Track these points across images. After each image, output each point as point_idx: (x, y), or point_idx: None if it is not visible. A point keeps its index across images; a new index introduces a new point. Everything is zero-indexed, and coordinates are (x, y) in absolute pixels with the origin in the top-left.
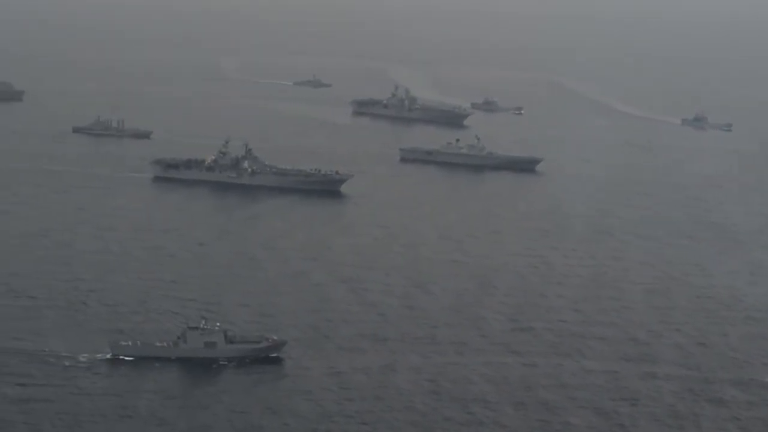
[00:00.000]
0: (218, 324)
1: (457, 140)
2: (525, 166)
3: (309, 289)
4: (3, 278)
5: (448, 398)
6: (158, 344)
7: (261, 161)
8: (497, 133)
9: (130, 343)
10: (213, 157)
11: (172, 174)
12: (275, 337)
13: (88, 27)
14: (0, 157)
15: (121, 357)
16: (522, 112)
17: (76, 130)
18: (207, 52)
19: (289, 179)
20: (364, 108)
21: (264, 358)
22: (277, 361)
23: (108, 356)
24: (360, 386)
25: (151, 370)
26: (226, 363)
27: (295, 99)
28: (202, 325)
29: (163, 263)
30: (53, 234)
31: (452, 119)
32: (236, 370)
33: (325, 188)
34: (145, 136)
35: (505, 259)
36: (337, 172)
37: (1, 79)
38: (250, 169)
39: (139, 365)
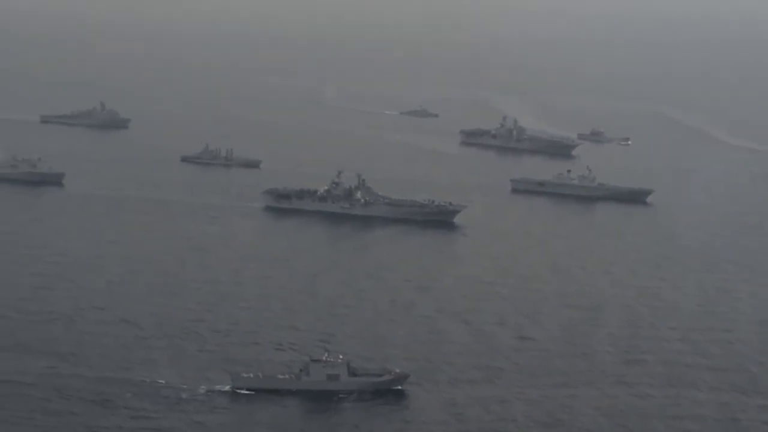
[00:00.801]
0: (341, 356)
1: (569, 171)
2: (636, 198)
3: (421, 321)
4: (113, 308)
5: (563, 430)
6: (280, 377)
7: (374, 192)
8: (605, 164)
9: (251, 375)
10: (326, 188)
11: (284, 204)
12: (398, 370)
13: (190, 55)
14: (108, 186)
15: (241, 389)
16: (629, 142)
17: (185, 159)
18: (311, 80)
19: (403, 210)
20: (472, 138)
21: (385, 391)
22: (399, 393)
23: (227, 389)
24: (478, 419)
25: (272, 403)
26: (345, 396)
27: (402, 129)
28: (325, 358)
29: (276, 294)
30: (163, 263)
31: (560, 150)
32: (358, 404)
33: (438, 219)
34: (254, 165)
35: (616, 291)
36: (450, 203)
37: (108, 107)
38: (363, 200)
39: (259, 398)
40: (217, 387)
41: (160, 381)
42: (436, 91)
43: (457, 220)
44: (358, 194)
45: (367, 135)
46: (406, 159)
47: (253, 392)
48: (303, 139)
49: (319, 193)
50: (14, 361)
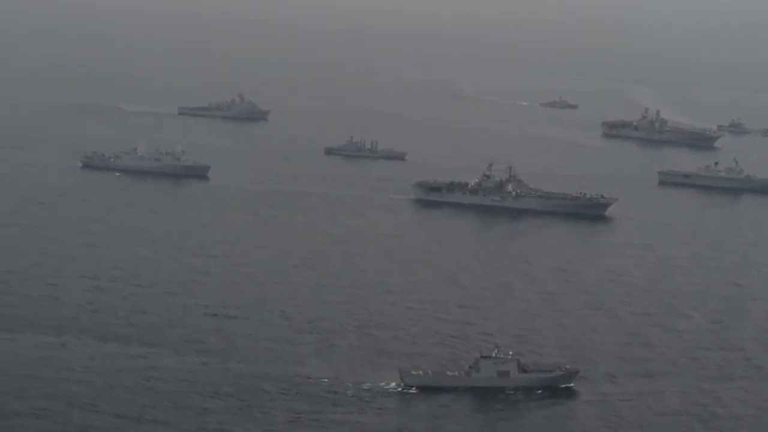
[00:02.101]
0: (510, 353)
1: (716, 163)
2: None
3: (571, 314)
4: (263, 304)
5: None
6: (449, 374)
7: (525, 184)
8: (748, 156)
9: (420, 372)
10: (476, 180)
11: (434, 196)
12: (568, 366)
13: (327, 48)
14: (252, 179)
15: (410, 387)
16: None
17: (329, 151)
18: (449, 73)
19: (554, 203)
20: (614, 130)
21: (555, 387)
22: (568, 390)
23: (393, 386)
24: (638, 415)
25: (442, 401)
26: (512, 393)
27: (542, 120)
28: (494, 354)
29: (430, 288)
30: (312, 257)
31: (702, 141)
32: (528, 400)
33: (590, 212)
34: (399, 157)
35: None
36: (602, 196)
37: (247, 99)
38: (514, 192)
39: (428, 395)
40: (382, 384)
41: (323, 379)
42: (574, 82)
43: (608, 212)
44: (509, 187)
45: (508, 127)
46: (548, 151)
47: (418, 389)
48: (444, 131)
49: (470, 185)
50: (169, 358)
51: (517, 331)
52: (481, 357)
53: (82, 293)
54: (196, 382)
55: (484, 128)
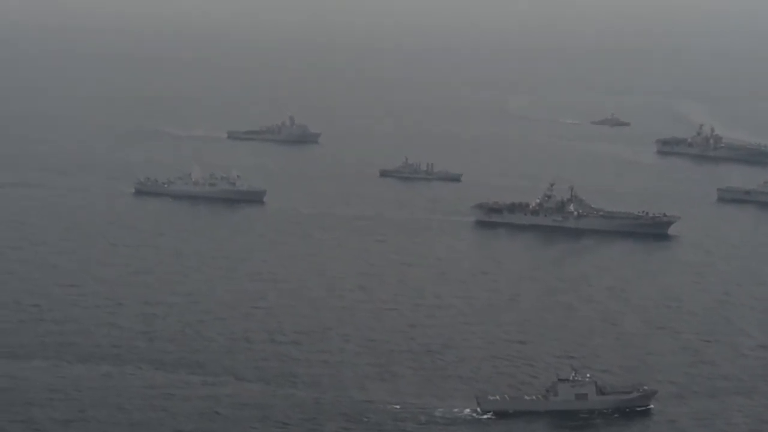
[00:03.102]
0: (588, 375)
1: None
2: None
3: (635, 334)
4: (326, 329)
5: None
6: (527, 398)
7: (587, 204)
8: None
9: (498, 397)
10: (537, 201)
11: (495, 218)
12: (646, 387)
13: (375, 69)
14: (308, 202)
15: (488, 412)
16: None
17: (384, 174)
18: (498, 91)
19: (616, 222)
20: (668, 147)
21: (632, 409)
22: (646, 411)
23: (471, 411)
24: None
25: (521, 426)
26: (590, 415)
27: (595, 138)
28: (572, 377)
29: (501, 310)
30: (373, 281)
31: (758, 157)
32: (606, 423)
33: (652, 231)
34: (455, 179)
35: None
36: (664, 215)
37: (297, 121)
38: (576, 213)
39: (506, 420)
40: (455, 410)
41: (395, 406)
42: (622, 97)
43: (670, 231)
44: (571, 207)
45: (560, 146)
46: (603, 169)
47: (495, 414)
48: (496, 151)
49: (531, 206)
50: (230, 386)
51: (581, 353)
52: (559, 380)
53: (139, 321)
54: (259, 410)
55: (536, 147)
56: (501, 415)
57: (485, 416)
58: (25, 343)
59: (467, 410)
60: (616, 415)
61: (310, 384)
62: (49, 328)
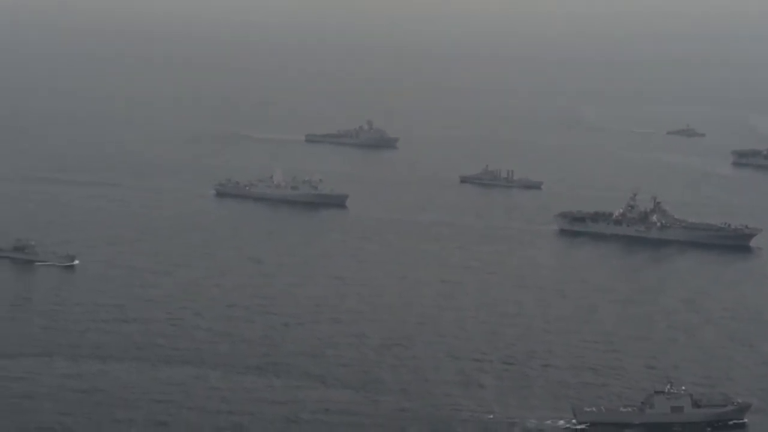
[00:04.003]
0: (684, 387)
1: None
2: None
3: (715, 347)
4: (410, 336)
5: None
6: (623, 410)
7: (670, 215)
8: None
9: (594, 408)
10: (620, 210)
11: (578, 227)
12: (740, 400)
13: (452, 75)
14: (389, 207)
15: (584, 423)
16: None
17: (464, 180)
18: (566, 98)
19: (699, 233)
20: (744, 158)
21: (725, 422)
22: (740, 425)
23: (569, 422)
24: None
25: None
26: (681, 429)
27: (670, 148)
28: (668, 389)
29: (585, 321)
30: (454, 288)
31: None
32: None
33: (734, 243)
34: (535, 186)
35: None
36: (746, 227)
37: (375, 126)
38: (659, 223)
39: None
40: (548, 422)
41: (488, 415)
42: (695, 108)
43: (752, 243)
44: (654, 217)
45: (636, 156)
46: (679, 180)
47: (590, 426)
48: (574, 159)
49: (614, 216)
50: (314, 391)
51: (663, 363)
52: (655, 392)
53: (220, 324)
54: (344, 416)
55: (612, 157)
56: (597, 426)
57: (581, 427)
58: (107, 344)
59: (561, 421)
60: (709, 429)
61: (395, 391)
62: (130, 329)
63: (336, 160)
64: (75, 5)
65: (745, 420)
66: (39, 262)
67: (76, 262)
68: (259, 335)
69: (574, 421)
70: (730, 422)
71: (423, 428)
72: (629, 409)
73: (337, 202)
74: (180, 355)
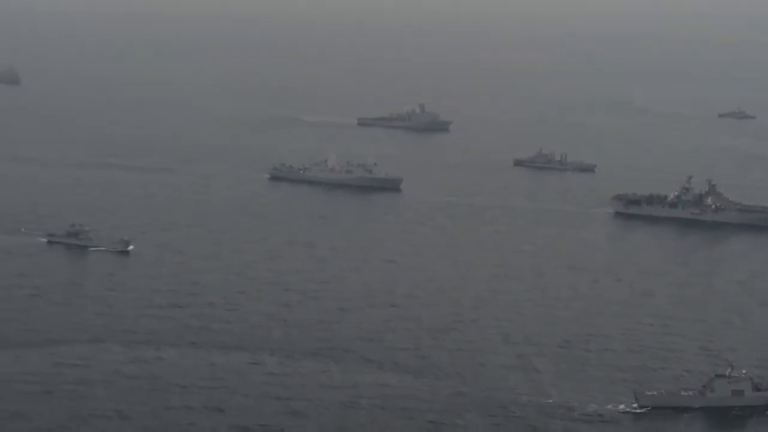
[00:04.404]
0: (744, 371)
1: None
2: None
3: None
4: (464, 319)
5: None
6: (683, 393)
7: (725, 197)
8: None
9: (654, 392)
10: (675, 193)
11: (633, 210)
12: None
13: (502, 58)
14: (443, 191)
15: (645, 407)
16: None
17: (518, 163)
18: (615, 80)
19: (754, 216)
20: None
21: None
22: None
23: (626, 406)
24: None
25: (678, 421)
26: (741, 412)
27: (722, 131)
28: (728, 373)
29: (640, 304)
30: (508, 272)
31: None
32: (760, 421)
33: None
34: (589, 169)
35: None
36: None
37: (428, 109)
38: (714, 206)
39: (663, 415)
40: (608, 406)
41: (549, 399)
42: (744, 90)
43: None
44: (709, 200)
45: (688, 138)
46: (731, 162)
47: (651, 409)
48: (626, 142)
49: (669, 198)
50: (371, 375)
51: (718, 347)
52: (716, 376)
53: (273, 309)
54: (401, 401)
55: (664, 139)
56: (657, 410)
57: (641, 411)
58: (162, 329)
59: (621, 405)
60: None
61: (451, 375)
62: (185, 314)
63: (388, 144)
64: None
65: None
66: (93, 247)
67: (131, 247)
68: (315, 320)
69: (635, 404)
70: None
71: (481, 413)
72: (690, 393)
73: (392, 186)
74: (235, 341)
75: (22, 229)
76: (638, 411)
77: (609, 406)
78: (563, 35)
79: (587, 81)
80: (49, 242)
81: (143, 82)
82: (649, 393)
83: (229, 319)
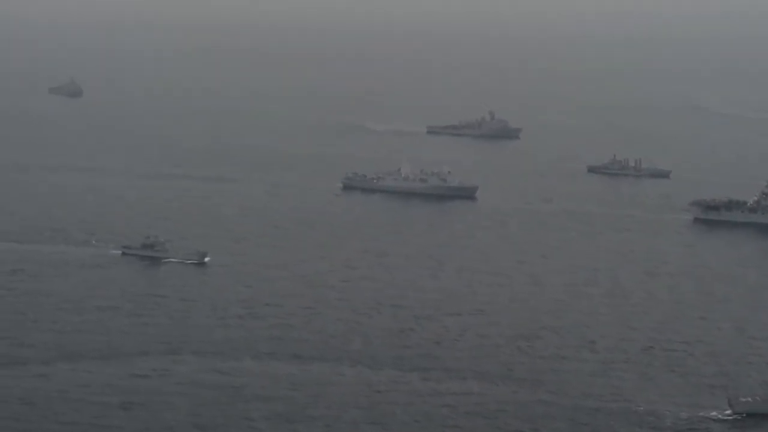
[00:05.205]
0: None
1: None
2: None
3: None
4: (550, 326)
5: None
6: None
7: None
8: None
9: (750, 399)
10: (755, 198)
11: (713, 216)
12: None
13: (570, 63)
14: (518, 198)
15: (740, 414)
16: None
17: (591, 170)
18: (681, 83)
19: None
20: None
21: None
22: None
23: (715, 414)
24: None
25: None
26: None
27: None
28: None
29: (720, 310)
30: (585, 278)
31: None
32: None
33: None
34: (664, 175)
35: None
36: None
37: (497, 116)
38: None
39: (758, 422)
40: (701, 413)
41: (638, 407)
42: None
43: None
44: None
45: (758, 142)
46: None
47: (747, 416)
48: (698, 147)
49: (749, 204)
50: (453, 385)
51: None
52: None
53: (349, 318)
54: (484, 409)
55: (737, 143)
56: (753, 417)
57: (736, 418)
58: (234, 339)
59: (714, 412)
60: None
61: (532, 382)
62: (260, 324)
63: (459, 152)
64: (191, 2)
65: None
66: (170, 259)
67: (207, 259)
68: (393, 329)
69: (728, 411)
70: None
71: (568, 421)
72: None
73: (467, 194)
74: (313, 351)
75: (93, 241)
76: (732, 418)
77: (701, 413)
78: (628, 36)
79: (655, 84)
80: (124, 254)
81: (207, 91)
82: (744, 399)
83: (306, 329)
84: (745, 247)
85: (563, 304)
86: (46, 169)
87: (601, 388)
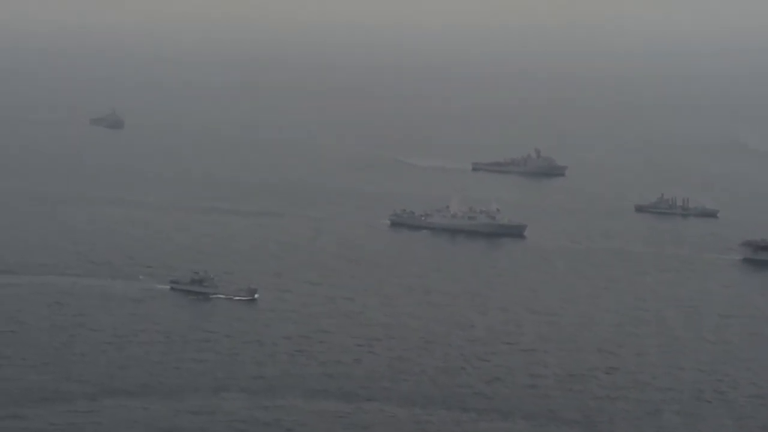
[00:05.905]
0: None
1: None
2: None
3: None
4: (601, 365)
5: None
6: None
7: None
8: None
9: None
10: None
11: (763, 256)
12: None
13: (613, 100)
14: (567, 237)
15: None
16: None
17: (639, 209)
18: (720, 119)
19: None
20: None
21: None
22: None
23: None
24: None
25: None
26: None
27: None
28: None
29: (766, 351)
30: (633, 318)
31: None
32: None
33: None
34: (711, 214)
35: None
36: None
37: (543, 154)
38: None
39: None
40: None
41: None
42: None
43: None
44: None
45: None
46: None
47: None
48: (743, 186)
49: None
50: (495, 423)
51: None
52: None
53: (396, 357)
54: None
55: None
56: None
57: None
58: (276, 376)
59: None
60: None
61: (581, 423)
62: (305, 362)
63: (505, 189)
64: (227, 36)
65: None
66: (219, 295)
67: (257, 295)
68: (439, 367)
69: None
70: None
71: None
72: None
73: (516, 233)
74: (361, 390)
75: (141, 276)
76: None
77: None
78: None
79: (696, 120)
80: (172, 289)
81: (250, 125)
82: None
83: (355, 366)
84: None
85: (612, 344)
86: (85, 200)
87: (651, 430)
